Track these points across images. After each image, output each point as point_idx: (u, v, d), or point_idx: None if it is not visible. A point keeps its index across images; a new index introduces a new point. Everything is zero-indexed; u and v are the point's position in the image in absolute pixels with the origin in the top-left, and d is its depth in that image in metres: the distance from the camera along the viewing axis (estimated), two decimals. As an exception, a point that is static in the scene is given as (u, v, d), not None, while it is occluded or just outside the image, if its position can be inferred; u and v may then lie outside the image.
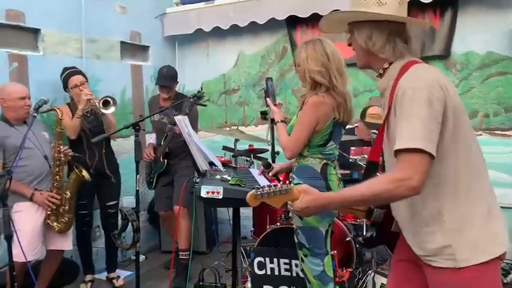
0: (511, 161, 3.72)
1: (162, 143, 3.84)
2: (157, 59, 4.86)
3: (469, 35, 3.94)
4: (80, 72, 3.63)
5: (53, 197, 3.12)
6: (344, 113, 2.47)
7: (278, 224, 3.36)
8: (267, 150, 3.89)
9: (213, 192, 2.10)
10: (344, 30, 1.66)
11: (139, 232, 2.75)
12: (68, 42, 3.95)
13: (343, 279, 3.10)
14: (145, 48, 4.87)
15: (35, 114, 2.92)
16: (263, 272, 3.04)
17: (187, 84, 5.11)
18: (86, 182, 3.35)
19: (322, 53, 2.43)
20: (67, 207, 3.23)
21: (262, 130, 4.61)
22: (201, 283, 3.13)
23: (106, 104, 3.44)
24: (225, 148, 4.15)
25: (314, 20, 4.34)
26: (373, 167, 1.63)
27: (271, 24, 4.51)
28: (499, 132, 3.86)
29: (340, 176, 2.61)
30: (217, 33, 4.85)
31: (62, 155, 3.17)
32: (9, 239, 2.27)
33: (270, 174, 2.65)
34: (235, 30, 4.73)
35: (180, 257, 3.85)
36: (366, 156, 3.47)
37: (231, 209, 2.89)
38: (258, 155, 3.98)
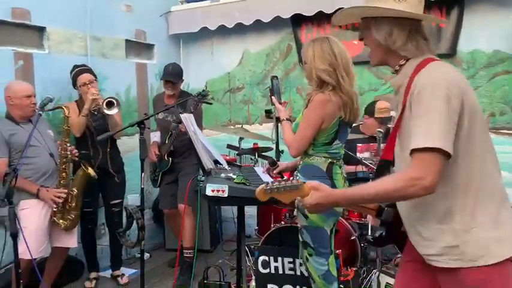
0: (517, 160, 3.72)
1: (166, 141, 3.84)
2: (162, 57, 4.86)
3: (475, 34, 3.92)
4: (89, 71, 3.63)
5: (60, 193, 3.14)
6: (350, 112, 2.46)
7: (282, 222, 3.36)
8: (272, 149, 3.89)
9: (218, 191, 2.10)
10: (352, 22, 1.64)
11: (144, 230, 2.74)
12: (73, 40, 3.96)
13: (347, 278, 3.09)
14: (150, 47, 4.87)
15: (41, 112, 2.93)
16: (267, 270, 3.04)
17: (191, 82, 5.12)
18: (92, 179, 3.36)
19: (330, 52, 2.41)
20: (73, 204, 3.25)
21: (266, 129, 4.62)
22: (205, 281, 3.12)
23: (110, 104, 3.44)
24: (229, 146, 4.15)
25: (319, 18, 4.34)
26: (386, 165, 1.60)
27: (276, 23, 4.51)
28: (505, 131, 3.84)
29: (345, 175, 2.60)
30: (222, 31, 4.85)
31: (69, 153, 3.18)
32: (15, 236, 2.27)
33: (275, 172, 2.64)
34: (240, 29, 4.72)
35: (185, 255, 3.85)
36: (373, 152, 3.45)
37: (235, 208, 2.89)
38: (263, 153, 3.97)
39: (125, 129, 3.32)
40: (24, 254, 2.64)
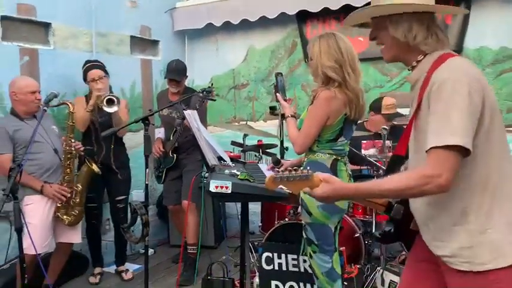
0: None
1: (171, 138, 3.84)
2: (167, 53, 4.86)
3: (482, 30, 3.89)
4: (99, 67, 3.62)
5: (63, 189, 3.15)
6: (356, 109, 2.44)
7: (286, 219, 3.35)
8: (276, 146, 3.88)
9: (221, 187, 2.09)
10: (364, 21, 1.60)
11: (148, 226, 2.75)
12: (78, 36, 3.97)
13: (351, 276, 3.09)
14: (155, 43, 4.87)
15: (45, 108, 2.94)
16: (271, 267, 3.04)
17: (196, 78, 5.12)
18: (97, 175, 3.37)
19: (336, 48, 2.38)
20: (78, 200, 3.26)
21: (271, 125, 4.62)
22: (209, 277, 3.13)
23: (110, 102, 3.43)
24: (233, 143, 4.15)
25: (324, 14, 4.32)
26: (399, 161, 1.58)
27: (281, 19, 4.49)
28: (512, 129, 3.81)
29: (350, 172, 2.59)
30: (227, 27, 4.84)
31: (73, 148, 3.19)
32: (19, 231, 2.28)
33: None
34: (245, 25, 4.71)
35: (188, 251, 3.86)
36: (379, 149, 3.43)
37: (239, 204, 2.89)
38: (267, 150, 3.97)
39: (129, 125, 3.33)
40: (28, 249, 2.65)
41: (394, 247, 3.62)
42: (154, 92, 4.70)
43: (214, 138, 2.92)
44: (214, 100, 3.70)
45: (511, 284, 1.37)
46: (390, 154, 3.00)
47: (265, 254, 3.05)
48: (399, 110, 3.72)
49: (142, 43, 4.72)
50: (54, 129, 3.29)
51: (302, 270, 2.97)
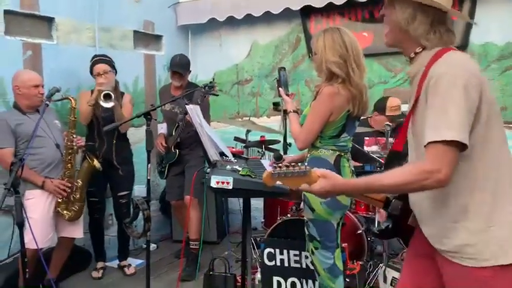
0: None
1: (173, 133, 3.84)
2: (170, 48, 4.85)
3: (488, 26, 3.85)
4: (105, 61, 3.61)
5: (64, 185, 3.15)
6: (359, 105, 2.42)
7: (289, 215, 3.35)
8: (279, 142, 3.87)
9: (222, 183, 2.08)
10: None
11: (150, 221, 2.74)
12: (81, 31, 3.97)
13: (353, 272, 3.08)
14: (158, 38, 4.86)
15: (48, 103, 2.93)
16: (273, 263, 3.03)
17: (200, 74, 5.10)
18: (97, 171, 3.37)
19: (341, 43, 2.36)
20: (78, 196, 3.26)
21: (274, 121, 4.60)
22: (211, 273, 3.13)
23: (107, 97, 3.40)
24: (236, 139, 4.14)
25: (329, 10, 4.30)
26: (396, 157, 1.57)
27: (286, 14, 4.46)
28: (517, 125, 3.78)
29: (353, 168, 2.57)
30: (231, 22, 4.82)
31: (74, 144, 3.19)
32: (21, 226, 2.28)
33: (282, 166, 2.62)
34: (248, 20, 4.69)
35: (191, 246, 3.86)
36: (382, 146, 3.42)
37: (242, 200, 2.88)
38: (270, 146, 3.96)
39: (130, 120, 3.32)
40: (30, 243, 2.65)
41: (397, 244, 3.61)
42: (158, 87, 4.69)
43: (217, 134, 2.91)
44: (217, 95, 3.69)
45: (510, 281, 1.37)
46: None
47: (267, 250, 3.05)
48: (403, 106, 3.70)
49: (146, 38, 4.71)
50: (56, 123, 3.29)
51: (304, 266, 2.97)
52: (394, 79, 4.29)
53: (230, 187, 2.09)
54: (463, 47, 3.91)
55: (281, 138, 3.74)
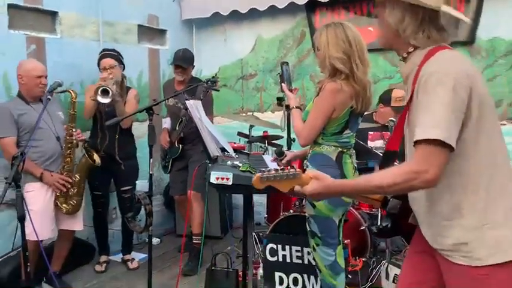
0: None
1: (176, 128, 3.83)
2: (174, 43, 4.83)
3: (495, 21, 3.79)
4: (112, 56, 3.61)
5: (64, 179, 3.16)
6: (362, 102, 2.39)
7: (291, 211, 3.33)
8: (282, 137, 3.85)
9: (222, 178, 2.08)
10: None
11: (152, 216, 2.75)
12: (85, 25, 3.96)
13: (356, 269, 3.06)
14: (162, 32, 4.85)
15: (49, 97, 2.93)
16: (275, 258, 3.02)
17: (204, 68, 5.08)
18: (96, 167, 3.36)
19: (344, 38, 2.32)
20: (75, 190, 3.27)
21: (278, 117, 4.56)
22: (213, 268, 3.13)
23: (105, 93, 3.37)
24: (239, 134, 4.13)
25: (334, 4, 4.25)
26: (391, 156, 1.56)
27: (290, 8, 4.43)
28: (525, 121, 3.73)
29: (356, 164, 2.55)
30: (235, 17, 4.79)
31: (74, 138, 3.19)
32: (22, 219, 2.30)
33: (283, 162, 2.60)
34: (253, 14, 4.65)
35: (193, 241, 3.87)
36: (386, 141, 3.38)
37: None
38: (273, 141, 3.94)
39: (133, 115, 3.31)
40: (31, 235, 2.66)
41: (401, 240, 3.58)
42: (162, 82, 4.68)
43: (218, 129, 2.90)
44: (218, 90, 3.67)
45: (508, 279, 1.36)
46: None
47: (269, 246, 3.04)
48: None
49: (150, 32, 4.70)
50: (59, 115, 3.29)
51: (306, 262, 2.96)
52: (400, 74, 4.25)
53: (230, 183, 2.08)
54: (470, 42, 3.87)
55: (284, 134, 3.72)
